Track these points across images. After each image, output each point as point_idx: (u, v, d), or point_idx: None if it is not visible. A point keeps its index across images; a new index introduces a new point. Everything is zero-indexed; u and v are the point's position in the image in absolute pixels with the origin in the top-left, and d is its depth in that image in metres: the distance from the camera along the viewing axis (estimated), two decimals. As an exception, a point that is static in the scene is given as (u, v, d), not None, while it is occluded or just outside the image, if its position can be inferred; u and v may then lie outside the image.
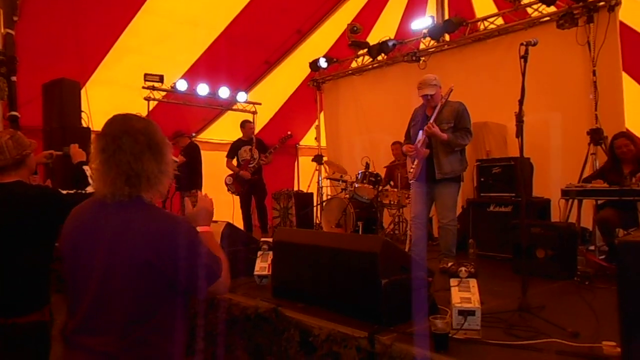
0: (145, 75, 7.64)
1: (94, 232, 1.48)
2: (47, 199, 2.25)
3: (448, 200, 4.21)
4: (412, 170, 4.36)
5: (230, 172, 6.96)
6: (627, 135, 4.43)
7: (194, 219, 1.75)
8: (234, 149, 7.04)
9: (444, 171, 4.16)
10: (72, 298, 1.52)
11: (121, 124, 1.52)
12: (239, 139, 7.11)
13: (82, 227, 1.53)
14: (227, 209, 7.36)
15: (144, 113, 7.97)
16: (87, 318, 1.45)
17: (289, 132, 7.12)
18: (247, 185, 6.74)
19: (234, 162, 7.00)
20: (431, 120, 4.18)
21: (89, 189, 2.56)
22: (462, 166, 4.29)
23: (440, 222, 4.29)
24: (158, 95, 8.09)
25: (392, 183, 6.75)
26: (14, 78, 4.63)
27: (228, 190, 6.88)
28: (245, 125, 7.08)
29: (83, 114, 5.36)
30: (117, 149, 1.46)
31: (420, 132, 4.29)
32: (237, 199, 7.00)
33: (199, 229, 1.68)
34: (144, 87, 7.74)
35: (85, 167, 2.72)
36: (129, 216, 1.46)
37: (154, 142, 1.52)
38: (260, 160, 6.77)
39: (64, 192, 2.39)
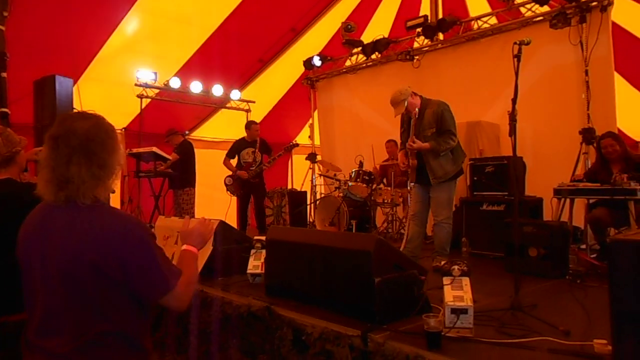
0: (138, 72, 7.60)
1: (42, 235, 1.46)
2: (35, 197, 2.23)
3: (443, 198, 4.22)
4: (410, 174, 4.42)
5: (230, 172, 6.87)
6: (613, 135, 4.47)
7: (185, 236, 1.73)
8: (235, 149, 6.84)
9: (437, 175, 4.18)
10: (27, 301, 1.51)
11: (61, 125, 1.46)
12: (242, 139, 6.89)
13: (32, 231, 1.51)
14: (221, 207, 7.34)
15: (136, 110, 7.94)
16: (42, 320, 1.44)
17: (295, 141, 7.06)
18: (247, 187, 6.68)
19: (234, 161, 6.85)
20: (411, 135, 4.19)
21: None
22: (456, 165, 4.27)
23: (434, 219, 4.29)
24: (151, 92, 8.06)
25: (385, 182, 6.76)
26: (4, 74, 4.59)
27: (227, 190, 6.80)
28: (250, 127, 6.84)
29: (75, 111, 5.32)
30: (52, 151, 1.43)
31: (410, 139, 4.30)
32: (232, 197, 6.96)
33: (185, 247, 1.65)
34: (136, 85, 7.70)
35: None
36: (73, 218, 1.43)
37: (90, 144, 1.43)
38: (263, 165, 6.71)
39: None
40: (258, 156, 6.74)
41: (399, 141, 4.84)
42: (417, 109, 4.23)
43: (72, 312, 1.40)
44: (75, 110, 1.58)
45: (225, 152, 6.97)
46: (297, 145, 7.10)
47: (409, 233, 4.46)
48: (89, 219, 1.43)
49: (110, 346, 1.42)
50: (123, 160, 1.50)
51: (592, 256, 4.21)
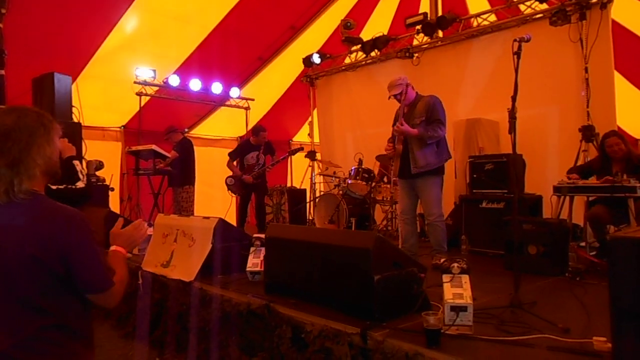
0: (137, 70, 7.59)
1: None
2: None
3: (430, 196, 4.22)
4: (392, 166, 4.48)
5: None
6: (618, 134, 4.46)
7: (114, 237, 1.71)
8: (239, 152, 6.84)
9: (419, 165, 4.19)
10: None
11: None
12: (248, 142, 6.88)
13: None
14: (220, 204, 7.35)
15: (135, 108, 7.93)
16: None
17: (300, 146, 7.05)
18: (249, 187, 6.69)
19: (236, 163, 6.86)
20: (401, 118, 4.23)
21: (79, 184, 2.53)
22: (439, 158, 4.27)
23: (427, 220, 4.32)
24: (150, 90, 8.05)
25: (385, 179, 6.76)
26: (2, 72, 4.57)
27: (228, 190, 6.80)
28: (259, 134, 6.77)
29: (74, 109, 5.30)
30: None
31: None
32: (232, 195, 6.96)
33: (113, 247, 1.65)
34: (135, 82, 7.69)
35: (75, 162, 2.69)
36: (13, 212, 1.41)
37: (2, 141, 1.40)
38: (266, 167, 6.72)
39: (54, 187, 2.37)
40: (262, 158, 6.76)
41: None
42: (407, 102, 4.28)
43: (9, 309, 1.40)
44: (14, 105, 1.57)
45: (225, 150, 6.98)
46: (302, 149, 7.06)
47: (402, 233, 4.49)
48: (30, 214, 1.41)
49: (53, 339, 1.41)
50: (55, 155, 1.48)
51: (592, 254, 4.21)
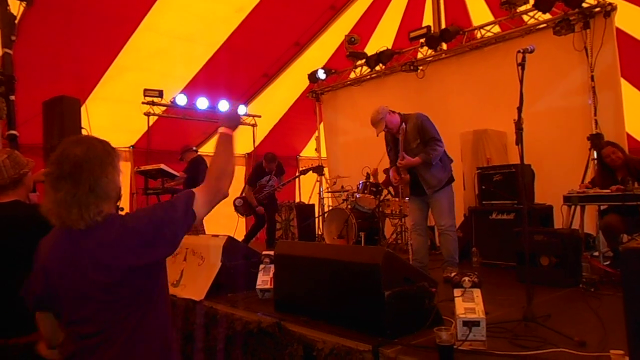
0: (145, 90, 7.69)
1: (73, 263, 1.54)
2: (42, 219, 2.24)
3: (442, 206, 4.21)
4: (402, 190, 4.55)
5: (240, 193, 6.98)
6: (612, 143, 4.45)
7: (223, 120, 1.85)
8: (256, 177, 6.97)
9: (432, 185, 4.19)
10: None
11: (57, 151, 1.54)
12: (261, 167, 6.97)
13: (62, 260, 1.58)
14: (229, 222, 7.34)
15: (144, 128, 8.02)
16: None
17: (311, 165, 7.09)
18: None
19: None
20: (400, 149, 4.22)
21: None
22: (447, 171, 4.28)
23: (439, 229, 4.30)
24: (158, 110, 8.13)
25: (392, 191, 6.73)
26: (12, 97, 4.65)
27: (236, 210, 6.86)
28: (272, 162, 6.87)
29: (83, 131, 5.37)
30: (49, 179, 1.52)
31: (400, 155, 4.32)
32: (239, 216, 7.05)
33: (220, 129, 1.81)
34: (143, 103, 7.78)
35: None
36: (100, 234, 1.50)
37: (78, 170, 1.48)
38: (276, 188, 6.84)
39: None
40: (273, 179, 6.90)
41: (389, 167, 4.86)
42: (404, 125, 4.25)
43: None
44: (78, 135, 1.66)
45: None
46: (311, 169, 7.08)
47: (414, 245, 4.45)
48: (116, 229, 1.51)
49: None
50: (119, 179, 1.60)
51: (606, 263, 4.15)
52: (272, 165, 6.86)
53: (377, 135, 4.44)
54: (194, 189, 1.61)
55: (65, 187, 1.47)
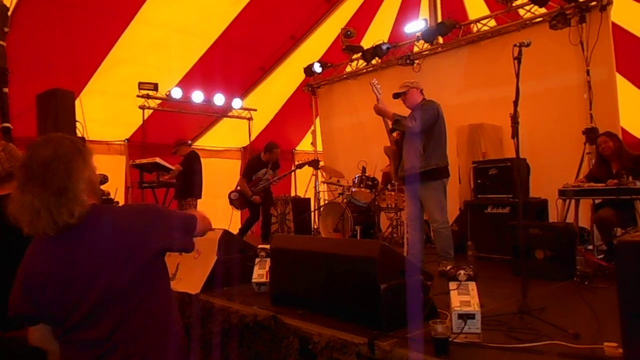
0: (140, 83, 7.64)
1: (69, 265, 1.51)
2: None
3: (432, 202, 4.19)
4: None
5: (235, 187, 6.86)
6: (607, 133, 4.48)
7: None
8: (252, 171, 6.80)
9: (404, 168, 4.23)
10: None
11: (26, 155, 1.50)
12: (259, 159, 6.82)
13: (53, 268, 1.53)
14: (224, 216, 7.34)
15: (139, 122, 7.98)
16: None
17: (307, 159, 7.02)
18: (254, 202, 6.71)
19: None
20: (381, 101, 4.39)
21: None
22: (425, 163, 4.14)
23: (432, 226, 4.32)
24: (153, 103, 8.09)
25: (389, 187, 6.74)
26: (5, 90, 4.60)
27: (230, 204, 6.79)
28: (272, 150, 6.69)
29: (78, 124, 5.34)
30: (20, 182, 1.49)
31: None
32: (234, 209, 6.99)
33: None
34: (138, 96, 7.73)
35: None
36: (87, 231, 1.47)
37: (41, 170, 1.42)
38: (272, 182, 6.72)
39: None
40: (269, 173, 6.78)
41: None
42: (413, 104, 4.33)
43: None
44: (48, 134, 1.59)
45: (228, 160, 6.98)
46: (306, 164, 7.00)
47: (410, 239, 4.47)
48: (108, 221, 1.49)
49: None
50: (94, 176, 1.53)
51: (600, 257, 4.17)
52: (272, 155, 6.68)
53: (393, 96, 4.47)
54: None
55: (32, 189, 1.39)
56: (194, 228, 1.69)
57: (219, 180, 7.43)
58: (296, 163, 10.92)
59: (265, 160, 6.77)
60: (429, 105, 4.24)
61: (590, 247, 4.44)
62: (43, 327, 1.58)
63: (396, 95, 4.41)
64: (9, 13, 4.63)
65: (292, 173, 7.96)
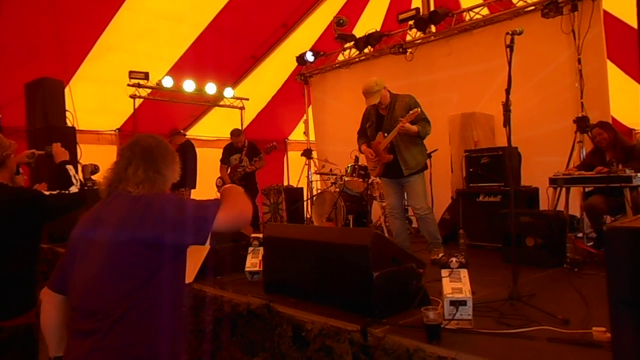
0: (130, 72, 7.55)
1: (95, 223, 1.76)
2: (24, 201, 2.20)
3: (418, 191, 4.25)
4: (373, 169, 4.53)
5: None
6: (601, 124, 4.51)
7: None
8: (227, 156, 6.93)
9: (410, 166, 4.23)
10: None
11: (130, 141, 1.87)
12: (231, 144, 6.96)
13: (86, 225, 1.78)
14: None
15: (129, 111, 7.91)
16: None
17: (273, 143, 6.96)
18: None
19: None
20: (399, 118, 4.16)
21: (73, 189, 2.51)
22: (424, 156, 4.37)
23: (416, 215, 4.34)
24: (144, 92, 8.01)
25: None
26: (-7, 78, 4.54)
27: (218, 192, 6.78)
28: (238, 135, 6.88)
29: (68, 113, 5.28)
30: (117, 158, 1.83)
31: (380, 133, 4.34)
32: None
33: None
34: (129, 85, 7.65)
35: (69, 167, 2.67)
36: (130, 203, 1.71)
37: (151, 153, 1.79)
38: (247, 167, 6.71)
39: (47, 193, 2.35)
40: (244, 160, 6.78)
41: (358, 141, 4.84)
42: (387, 102, 4.29)
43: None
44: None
45: (219, 149, 6.96)
46: (275, 147, 6.89)
47: (393, 229, 4.50)
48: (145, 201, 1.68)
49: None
50: (177, 177, 1.79)
51: (589, 244, 4.22)
52: (239, 139, 6.83)
53: (367, 106, 4.42)
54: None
55: (134, 161, 1.72)
56: (208, 221, 1.70)
57: (211, 169, 7.38)
58: (288, 152, 10.93)
59: (236, 144, 6.83)
60: (416, 101, 4.27)
61: (580, 234, 4.48)
62: (60, 308, 1.75)
63: (371, 102, 4.33)
64: (-5, 0, 4.55)
65: (285, 160, 7.90)
